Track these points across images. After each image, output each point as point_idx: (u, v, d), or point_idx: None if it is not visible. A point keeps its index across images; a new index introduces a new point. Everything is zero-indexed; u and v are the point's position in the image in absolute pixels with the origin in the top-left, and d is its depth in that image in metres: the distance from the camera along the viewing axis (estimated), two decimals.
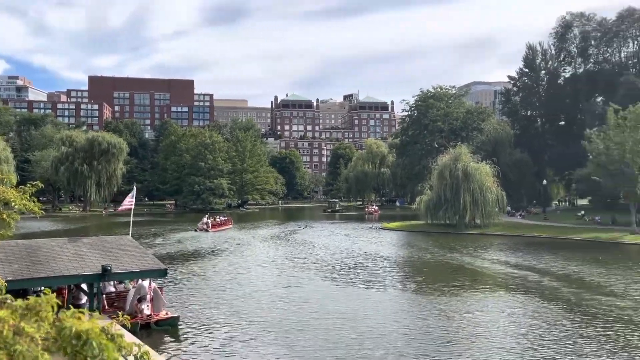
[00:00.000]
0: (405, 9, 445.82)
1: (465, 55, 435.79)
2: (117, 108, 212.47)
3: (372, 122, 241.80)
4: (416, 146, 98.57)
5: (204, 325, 18.23)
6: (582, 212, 64.29)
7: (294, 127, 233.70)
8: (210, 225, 57.74)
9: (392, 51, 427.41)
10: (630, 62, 79.80)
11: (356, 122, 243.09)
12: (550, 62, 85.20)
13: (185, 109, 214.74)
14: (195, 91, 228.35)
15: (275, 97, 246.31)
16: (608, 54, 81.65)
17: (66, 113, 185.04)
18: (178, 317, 18.51)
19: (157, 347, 15.53)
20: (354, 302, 22.02)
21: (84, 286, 18.19)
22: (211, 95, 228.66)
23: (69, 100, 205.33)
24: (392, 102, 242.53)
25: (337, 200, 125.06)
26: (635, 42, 79.30)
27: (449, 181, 56.32)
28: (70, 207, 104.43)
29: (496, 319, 18.84)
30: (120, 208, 29.48)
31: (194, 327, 17.98)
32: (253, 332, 17.29)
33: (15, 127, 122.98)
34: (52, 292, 4.17)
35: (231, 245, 43.56)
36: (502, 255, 36.98)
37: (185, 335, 17.20)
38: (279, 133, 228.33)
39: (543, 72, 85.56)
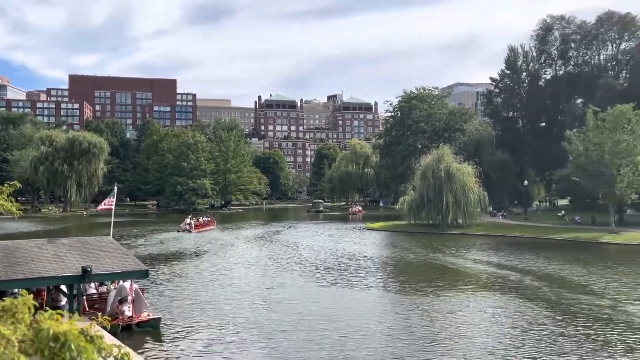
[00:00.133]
0: (388, 10, 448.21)
1: (448, 57, 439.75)
2: (98, 107, 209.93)
3: (356, 123, 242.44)
4: (399, 147, 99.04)
5: (186, 326, 18.07)
6: (563, 212, 65.24)
7: (278, 127, 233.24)
8: (193, 225, 57.33)
9: (375, 52, 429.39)
10: (609, 64, 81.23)
11: (340, 122, 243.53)
12: (531, 64, 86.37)
13: (168, 109, 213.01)
14: (178, 91, 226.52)
15: (259, 97, 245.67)
16: (587, 57, 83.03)
17: (46, 112, 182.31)
18: (160, 318, 18.32)
19: (139, 348, 15.35)
20: (337, 302, 22.03)
21: (63, 288, 17.89)
22: (194, 95, 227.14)
23: (48, 99, 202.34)
24: (376, 103, 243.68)
25: (321, 200, 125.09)
26: (614, 45, 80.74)
27: (432, 182, 56.70)
28: (50, 208, 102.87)
29: (478, 318, 18.99)
30: (100, 208, 29.08)
31: (176, 329, 17.81)
32: (236, 333, 17.19)
33: None
34: (31, 294, 4.09)
35: (214, 246, 43.29)
36: (484, 255, 37.32)
37: (167, 337, 17.02)
38: (262, 133, 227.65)
39: (524, 73, 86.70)
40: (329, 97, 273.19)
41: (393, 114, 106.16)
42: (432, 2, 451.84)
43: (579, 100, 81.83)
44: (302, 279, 27.73)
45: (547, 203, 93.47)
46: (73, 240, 20.61)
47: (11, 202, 11.52)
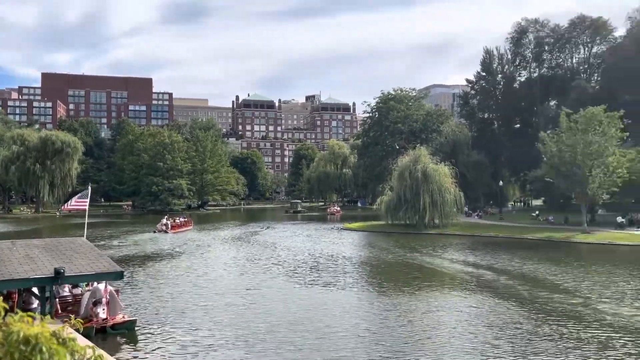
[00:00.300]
0: (366, 11, 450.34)
1: (425, 59, 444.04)
2: (71, 106, 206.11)
3: (334, 123, 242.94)
4: (377, 147, 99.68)
5: (162, 329, 17.83)
6: (537, 212, 66.39)
7: (256, 128, 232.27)
8: (169, 226, 56.74)
9: (353, 53, 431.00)
10: (581, 67, 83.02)
11: (318, 122, 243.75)
12: (506, 67, 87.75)
13: (144, 108, 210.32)
14: (154, 90, 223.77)
15: (237, 97, 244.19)
16: (561, 60, 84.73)
17: (17, 111, 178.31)
18: (135, 320, 18.05)
19: (113, 351, 15.09)
20: (315, 303, 22.00)
21: (35, 290, 17.48)
22: (170, 94, 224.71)
23: (20, 97, 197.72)
24: (354, 104, 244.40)
25: (299, 200, 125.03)
26: (586, 49, 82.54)
27: (409, 182, 57.14)
28: (22, 209, 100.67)
29: (455, 318, 19.17)
30: (66, 207, 28.15)
31: (151, 331, 17.56)
32: (212, 335, 17.02)
33: None
34: (0, 297, 3.96)
35: (191, 247, 42.89)
36: (461, 255, 37.74)
37: (142, 340, 16.77)
38: (240, 133, 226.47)
39: (499, 76, 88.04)
40: (307, 98, 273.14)
41: (371, 114, 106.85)
42: (409, 4, 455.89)
43: (552, 102, 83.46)
44: (280, 279, 27.64)
45: (522, 203, 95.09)
46: (46, 241, 20.17)
47: None
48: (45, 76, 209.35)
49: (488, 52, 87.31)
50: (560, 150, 49.46)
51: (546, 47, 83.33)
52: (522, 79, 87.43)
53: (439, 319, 19.09)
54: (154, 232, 55.48)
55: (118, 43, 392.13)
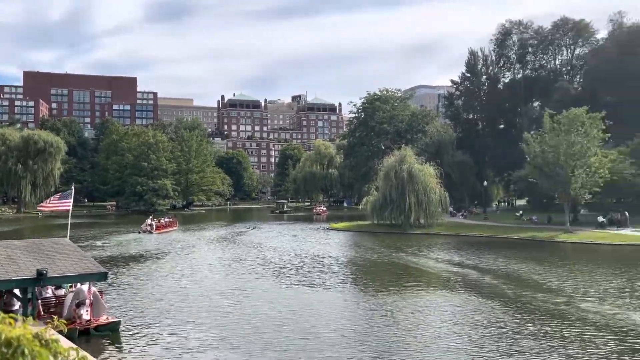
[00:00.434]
0: (352, 12, 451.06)
1: (411, 60, 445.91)
2: (54, 105, 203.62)
3: (320, 124, 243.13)
4: (363, 147, 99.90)
5: (146, 330, 17.68)
6: (521, 212, 67.03)
7: (242, 127, 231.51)
8: (154, 227, 56.30)
9: (339, 53, 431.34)
10: (564, 69, 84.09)
11: (304, 123, 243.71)
12: (490, 68, 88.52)
13: (128, 107, 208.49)
14: (139, 89, 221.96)
15: (222, 97, 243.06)
16: (544, 61, 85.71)
17: None
18: (119, 322, 17.87)
19: (97, 353, 14.92)
20: (301, 303, 21.98)
21: (17, 291, 17.22)
22: (155, 94, 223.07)
23: (1, 96, 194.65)
24: (340, 104, 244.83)
25: (285, 201, 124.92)
26: (569, 51, 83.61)
27: (395, 182, 57.37)
28: (3, 209, 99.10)
29: (440, 317, 19.28)
30: (46, 207, 27.38)
31: (135, 333, 17.41)
32: (197, 336, 16.92)
33: None
34: None
35: (176, 248, 42.61)
36: (446, 255, 37.98)
37: (126, 341, 16.62)
38: (225, 133, 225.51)
39: (484, 77, 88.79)
40: (294, 98, 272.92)
41: (357, 115, 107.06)
42: (395, 5, 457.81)
43: (536, 104, 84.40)
44: (265, 280, 27.57)
45: (506, 203, 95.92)
46: (28, 242, 19.89)
47: None
48: (28, 75, 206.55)
49: (473, 54, 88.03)
50: (543, 150, 49.98)
51: (530, 49, 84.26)
52: (506, 80, 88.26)
53: (425, 318, 19.19)
54: (139, 232, 55.02)
55: (102, 42, 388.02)
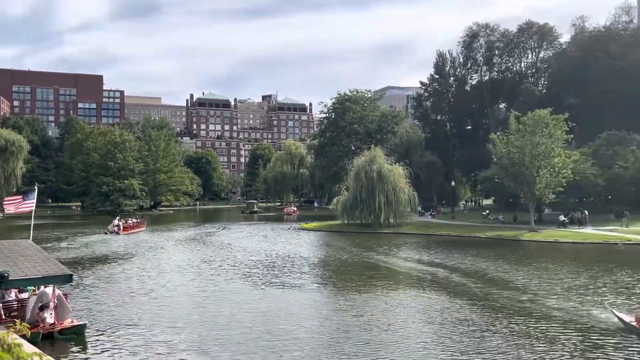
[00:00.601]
0: (322, 12, 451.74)
1: (381, 61, 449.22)
2: (16, 103, 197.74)
3: (290, 123, 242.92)
4: (334, 148, 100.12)
5: (112, 333, 17.32)
6: (487, 211, 68.33)
7: (211, 127, 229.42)
8: (121, 227, 55.28)
9: (310, 53, 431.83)
10: (529, 71, 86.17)
11: (275, 122, 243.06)
12: (458, 70, 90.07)
13: (94, 106, 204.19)
14: (105, 87, 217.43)
15: (191, 96, 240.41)
16: (510, 64, 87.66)
17: None
18: (85, 325, 17.46)
19: (62, 357, 14.55)
20: (271, 304, 21.89)
21: None
22: (122, 92, 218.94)
23: None
24: (311, 104, 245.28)
25: (255, 201, 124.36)
26: (534, 54, 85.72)
27: (365, 182, 57.77)
28: None
29: (411, 316, 19.47)
30: (7, 205, 25.97)
31: (102, 336, 17.03)
32: (165, 339, 16.65)
33: None
34: None
35: (143, 249, 41.91)
36: (415, 254, 38.42)
37: (92, 344, 16.24)
38: (194, 132, 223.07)
39: (452, 78, 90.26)
40: (264, 97, 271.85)
41: (327, 115, 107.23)
42: (365, 6, 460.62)
43: (502, 105, 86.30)
44: (235, 281, 27.36)
45: (473, 203, 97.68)
46: None
47: None
48: None
49: (441, 55, 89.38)
50: (509, 151, 51.04)
51: (496, 52, 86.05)
52: (474, 82, 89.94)
53: (395, 317, 19.34)
54: (105, 233, 53.97)
55: (67, 38, 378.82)
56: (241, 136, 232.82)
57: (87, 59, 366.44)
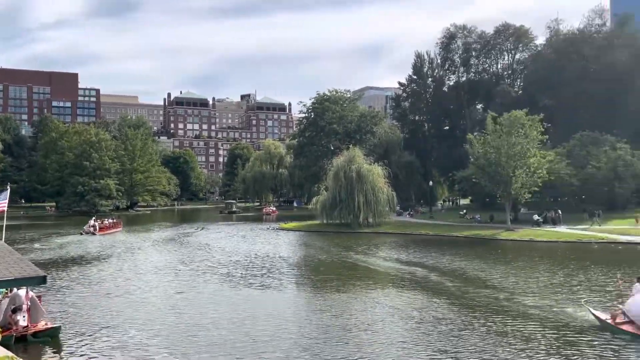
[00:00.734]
0: (301, 12, 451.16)
1: (359, 60, 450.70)
2: None
3: (270, 123, 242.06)
4: (313, 147, 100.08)
5: (88, 336, 17.00)
6: (464, 211, 69.10)
7: (189, 126, 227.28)
8: (97, 228, 54.45)
9: (289, 53, 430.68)
10: (505, 73, 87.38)
11: (254, 122, 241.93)
12: (436, 70, 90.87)
13: (69, 104, 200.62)
14: (80, 85, 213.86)
15: (169, 94, 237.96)
16: (487, 65, 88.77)
17: None
18: (59, 327, 17.11)
19: None
20: (250, 305, 21.75)
21: None
22: (97, 90, 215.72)
23: None
24: (290, 104, 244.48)
25: (234, 201, 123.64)
26: (510, 55, 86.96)
27: (344, 182, 57.92)
28: None
29: (389, 315, 19.55)
30: None
31: (76, 338, 16.70)
32: (142, 342, 16.40)
33: None
34: None
35: (120, 250, 41.32)
36: (394, 253, 38.62)
37: (66, 347, 15.91)
38: (172, 132, 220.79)
39: (430, 79, 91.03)
40: (242, 97, 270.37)
41: (306, 115, 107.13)
42: (344, 6, 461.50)
43: (479, 106, 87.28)
44: (214, 282, 27.13)
45: (450, 202, 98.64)
46: None
47: None
48: None
49: (419, 56, 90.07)
50: (486, 151, 51.68)
51: (473, 53, 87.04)
52: (451, 83, 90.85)
53: (374, 317, 19.39)
54: (81, 234, 53.13)
55: (41, 35, 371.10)
56: (219, 136, 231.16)
57: (62, 57, 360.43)
